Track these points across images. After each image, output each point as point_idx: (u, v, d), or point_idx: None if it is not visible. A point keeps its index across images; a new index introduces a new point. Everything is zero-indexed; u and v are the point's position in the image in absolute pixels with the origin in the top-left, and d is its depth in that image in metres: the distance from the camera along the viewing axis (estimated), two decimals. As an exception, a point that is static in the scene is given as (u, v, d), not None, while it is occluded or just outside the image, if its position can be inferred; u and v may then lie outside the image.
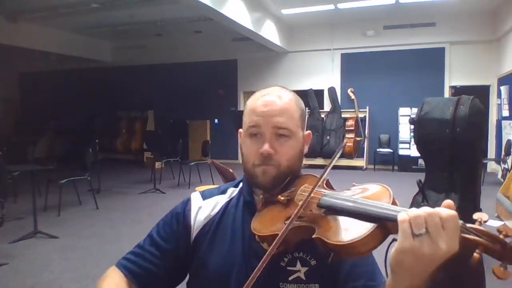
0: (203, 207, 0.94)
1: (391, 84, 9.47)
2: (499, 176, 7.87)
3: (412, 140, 8.18)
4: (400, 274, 0.61)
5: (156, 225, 0.95)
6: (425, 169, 2.54)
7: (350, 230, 0.64)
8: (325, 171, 0.76)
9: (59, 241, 4.19)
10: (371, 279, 0.78)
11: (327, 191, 0.76)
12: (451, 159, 2.31)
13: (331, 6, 8.32)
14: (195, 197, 0.96)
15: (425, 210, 0.57)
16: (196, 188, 2.43)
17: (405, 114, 8.98)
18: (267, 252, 0.68)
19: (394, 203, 0.66)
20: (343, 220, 0.67)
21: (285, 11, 8.78)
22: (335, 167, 7.75)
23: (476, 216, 0.58)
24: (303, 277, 0.81)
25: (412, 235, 0.57)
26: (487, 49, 8.74)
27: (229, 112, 9.87)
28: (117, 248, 3.93)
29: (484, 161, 8.29)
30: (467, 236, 0.56)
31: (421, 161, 8.01)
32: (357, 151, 9.51)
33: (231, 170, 3.48)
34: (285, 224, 0.71)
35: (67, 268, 3.45)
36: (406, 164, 8.88)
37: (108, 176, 7.97)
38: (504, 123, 7.95)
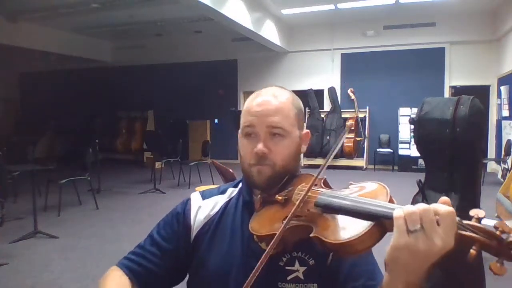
0: (203, 206, 0.94)
1: (391, 84, 9.47)
2: (499, 176, 7.87)
3: (412, 140, 8.18)
4: (396, 271, 0.61)
5: (157, 225, 0.95)
6: (425, 169, 2.54)
7: (348, 229, 0.64)
8: (323, 167, 0.76)
9: (59, 241, 4.19)
10: (371, 278, 0.78)
11: (324, 190, 0.76)
12: (451, 159, 2.31)
13: (331, 6, 8.33)
14: (195, 197, 0.97)
15: (420, 206, 0.57)
16: (196, 188, 2.43)
17: (405, 114, 8.98)
18: (265, 252, 0.68)
19: (391, 201, 0.66)
20: (340, 219, 0.67)
21: (285, 11, 8.78)
22: (335, 167, 7.69)
23: (472, 212, 0.58)
24: (301, 276, 0.81)
25: (407, 231, 0.57)
26: (487, 49, 8.74)
27: (229, 112, 9.88)
28: (117, 248, 3.93)
29: (484, 161, 8.29)
30: (463, 232, 0.56)
31: (421, 161, 8.01)
32: (357, 151, 9.51)
33: (231, 170, 3.48)
34: (282, 223, 0.71)
35: (67, 268, 3.45)
36: (406, 164, 8.88)
37: (108, 176, 7.97)
38: (504, 123, 7.95)
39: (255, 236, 0.78)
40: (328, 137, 9.48)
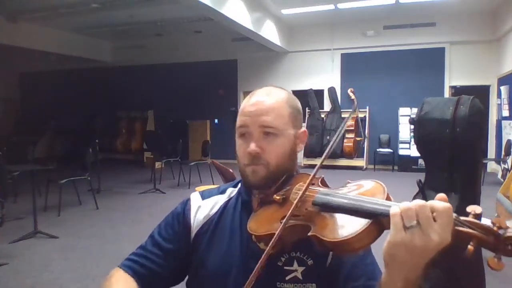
0: (202, 206, 0.94)
1: (391, 84, 9.47)
2: (499, 176, 7.87)
3: (412, 140, 8.18)
4: (394, 268, 0.61)
5: (158, 226, 0.96)
6: (425, 169, 2.54)
7: (345, 227, 0.64)
8: (320, 164, 0.76)
9: (59, 241, 4.19)
10: (371, 278, 0.78)
11: (322, 189, 0.76)
12: (451, 159, 2.30)
13: (331, 6, 8.33)
14: (195, 197, 0.97)
15: (416, 202, 0.58)
16: (196, 188, 2.43)
17: (405, 114, 8.98)
18: (265, 252, 0.68)
19: (388, 198, 0.66)
20: (338, 217, 0.68)
21: (285, 11, 8.78)
22: (335, 167, 7.67)
23: (469, 209, 0.58)
24: (300, 276, 0.81)
25: (404, 227, 0.57)
26: (487, 49, 8.74)
27: (229, 112, 9.88)
28: (117, 248, 3.93)
29: (484, 161, 8.29)
30: (460, 228, 0.57)
31: (421, 161, 8.01)
32: (357, 151, 9.51)
33: (231, 170, 3.48)
34: (281, 223, 0.71)
35: (67, 268, 3.45)
36: (406, 164, 8.88)
37: (108, 176, 7.97)
38: (504, 123, 7.95)
39: (253, 236, 0.78)
40: (328, 137, 9.48)
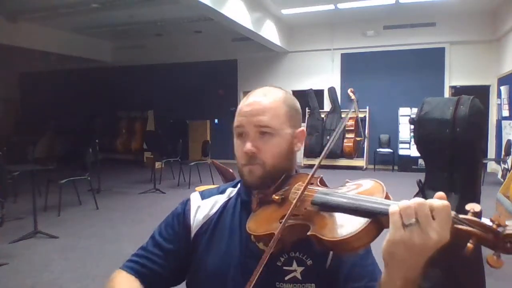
0: (202, 206, 0.94)
1: (391, 84, 9.47)
2: (499, 176, 7.87)
3: (412, 140, 8.18)
4: (393, 267, 0.61)
5: (158, 227, 0.96)
6: (425, 169, 2.54)
7: (345, 226, 0.65)
8: (319, 162, 0.77)
9: (59, 241, 4.19)
10: (372, 279, 0.78)
11: (321, 188, 0.76)
12: (451, 159, 2.30)
13: (331, 6, 8.33)
14: (194, 197, 0.97)
15: (415, 200, 0.58)
16: (196, 188, 2.43)
17: (405, 114, 8.98)
18: (266, 252, 0.68)
19: (387, 197, 0.66)
20: (337, 217, 0.68)
21: (285, 11, 8.78)
22: (335, 167, 7.65)
23: (468, 206, 0.59)
24: (299, 276, 0.81)
25: (403, 225, 0.57)
26: (487, 49, 8.74)
27: (229, 112, 9.87)
28: (117, 248, 3.93)
29: (484, 161, 8.29)
30: (460, 226, 0.57)
31: (421, 161, 8.01)
32: (357, 151, 9.51)
33: (231, 170, 3.48)
34: (280, 223, 0.71)
35: (67, 268, 3.45)
36: (406, 164, 8.88)
37: (108, 176, 7.97)
38: (504, 123, 7.95)
39: (252, 236, 0.78)
40: (328, 137, 9.47)
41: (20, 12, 8.29)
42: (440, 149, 2.32)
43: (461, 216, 0.58)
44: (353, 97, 9.62)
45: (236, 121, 0.87)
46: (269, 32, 8.85)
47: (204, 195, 0.97)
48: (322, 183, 0.80)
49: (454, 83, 9.16)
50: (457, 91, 8.90)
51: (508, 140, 7.37)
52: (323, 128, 9.66)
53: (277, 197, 0.80)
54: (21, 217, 4.93)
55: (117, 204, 6.05)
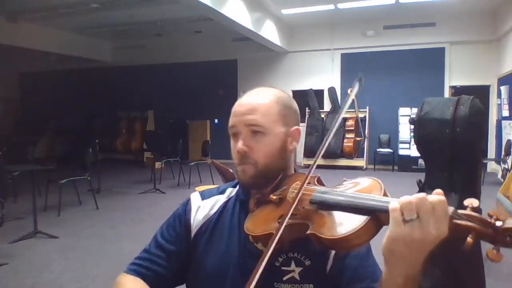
0: (202, 207, 0.94)
1: (391, 84, 9.47)
2: (499, 176, 7.87)
3: (412, 140, 8.18)
4: (393, 264, 0.62)
5: (160, 228, 0.96)
6: (425, 169, 2.54)
7: (344, 224, 0.65)
8: (314, 162, 0.76)
9: (59, 241, 4.19)
10: (374, 280, 0.78)
11: (319, 187, 0.76)
12: (451, 159, 2.30)
13: (331, 6, 8.33)
14: (195, 197, 0.97)
15: (416, 196, 0.58)
16: (196, 188, 2.43)
17: (405, 114, 8.98)
18: (267, 252, 0.67)
19: (385, 195, 0.67)
20: (336, 215, 0.68)
21: (285, 11, 8.78)
22: (335, 167, 7.64)
23: (466, 202, 0.59)
24: (297, 277, 0.81)
25: (403, 221, 0.58)
26: (487, 49, 8.74)
27: (229, 112, 9.81)
28: (117, 248, 3.93)
29: (484, 161, 8.29)
30: (459, 222, 0.57)
31: (421, 161, 8.01)
32: (357, 151, 9.51)
33: (231, 170, 3.48)
34: (278, 222, 0.71)
35: (67, 268, 3.45)
36: (406, 164, 8.88)
37: (108, 176, 7.97)
38: (504, 123, 7.95)
39: (250, 237, 0.78)
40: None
41: (20, 12, 8.29)
42: (440, 149, 2.32)
43: (460, 211, 0.58)
44: (353, 97, 9.59)
45: (230, 122, 0.88)
46: (269, 32, 8.85)
47: (204, 195, 0.97)
48: (320, 182, 0.80)
49: (454, 83, 9.16)
50: (457, 91, 8.90)
51: (508, 140, 7.37)
52: (323, 128, 9.65)
53: (274, 197, 0.80)
54: (21, 217, 4.93)
55: (117, 204, 6.05)
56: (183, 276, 0.93)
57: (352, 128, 9.43)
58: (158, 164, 8.15)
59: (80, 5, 7.71)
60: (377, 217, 0.63)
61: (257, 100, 0.87)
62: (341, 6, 8.30)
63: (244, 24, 7.52)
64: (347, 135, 9.44)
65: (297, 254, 0.82)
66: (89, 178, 5.67)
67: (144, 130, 10.76)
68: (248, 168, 0.85)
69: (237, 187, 0.97)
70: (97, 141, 7.05)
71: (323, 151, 0.79)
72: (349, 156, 9.35)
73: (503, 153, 7.55)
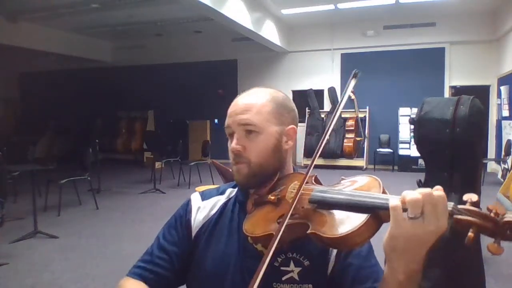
0: (202, 207, 0.95)
1: (391, 84, 9.47)
2: (499, 176, 7.87)
3: (412, 140, 8.18)
4: (395, 260, 0.62)
5: (162, 229, 0.96)
6: (425, 169, 2.54)
7: (344, 223, 0.65)
8: (312, 162, 0.76)
9: (59, 241, 4.19)
10: (376, 280, 0.79)
11: (317, 186, 0.76)
12: (451, 159, 2.30)
13: (331, 6, 8.32)
14: (195, 198, 0.97)
15: (421, 192, 0.59)
16: (196, 188, 2.44)
17: (405, 114, 8.98)
18: (269, 253, 0.67)
19: (384, 192, 0.67)
20: (336, 214, 0.68)
21: (285, 11, 8.78)
22: (335, 167, 7.66)
23: (466, 197, 0.59)
24: (296, 277, 0.81)
25: (405, 218, 0.58)
26: (487, 49, 8.74)
27: (229, 112, 9.86)
28: (117, 248, 3.93)
29: (484, 161, 8.29)
30: (459, 217, 0.57)
31: (421, 161, 8.02)
32: (357, 151, 9.51)
33: (231, 170, 3.47)
34: (278, 223, 0.71)
35: (67, 268, 3.45)
36: (406, 164, 8.88)
37: (108, 176, 7.97)
38: (504, 123, 7.95)
39: (249, 238, 0.78)
40: (328, 137, 9.48)
41: (20, 12, 8.29)
42: (440, 149, 2.32)
43: (460, 206, 0.59)
44: (353, 97, 9.62)
45: (226, 122, 0.89)
46: (269, 32, 8.85)
47: (204, 196, 0.97)
48: (317, 182, 0.80)
49: (454, 83, 9.16)
50: (457, 91, 8.90)
51: (508, 140, 7.37)
52: (323, 128, 9.66)
53: (272, 197, 0.80)
54: (21, 217, 4.92)
55: (117, 204, 6.05)
56: (185, 276, 0.93)
57: (352, 128, 9.44)
58: (158, 164, 8.15)
59: (80, 5, 7.71)
60: (377, 214, 0.63)
61: (251, 100, 0.88)
62: (341, 6, 8.30)
63: (244, 24, 7.52)
64: (347, 135, 9.44)
65: (296, 254, 0.82)
66: (89, 178, 5.67)
67: (144, 130, 10.77)
68: (242, 167, 0.85)
69: (237, 187, 0.97)
70: (97, 141, 7.05)
71: (321, 148, 0.79)
72: (349, 156, 9.35)
73: (503, 153, 7.55)
